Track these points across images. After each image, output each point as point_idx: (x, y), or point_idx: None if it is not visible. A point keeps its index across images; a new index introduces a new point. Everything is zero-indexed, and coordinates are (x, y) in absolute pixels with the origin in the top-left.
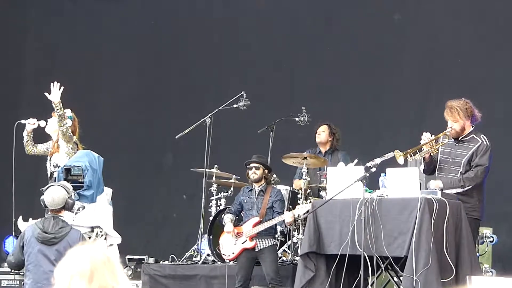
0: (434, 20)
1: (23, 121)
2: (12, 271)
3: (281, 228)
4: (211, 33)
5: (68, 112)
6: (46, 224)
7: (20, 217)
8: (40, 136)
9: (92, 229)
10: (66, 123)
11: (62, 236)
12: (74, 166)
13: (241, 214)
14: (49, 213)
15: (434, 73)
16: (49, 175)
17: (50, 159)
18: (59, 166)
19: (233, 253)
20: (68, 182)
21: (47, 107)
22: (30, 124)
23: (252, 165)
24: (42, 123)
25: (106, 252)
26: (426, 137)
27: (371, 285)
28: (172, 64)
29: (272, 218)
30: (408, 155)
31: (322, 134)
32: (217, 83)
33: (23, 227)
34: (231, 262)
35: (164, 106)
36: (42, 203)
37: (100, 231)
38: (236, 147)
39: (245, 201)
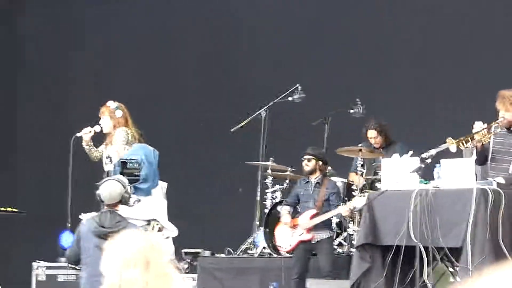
0: None
1: (78, 134)
2: (69, 265)
3: (337, 220)
4: (265, 26)
5: (112, 104)
6: (102, 218)
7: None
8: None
9: (148, 222)
10: (116, 114)
11: (119, 230)
12: (130, 159)
13: (298, 206)
14: (105, 207)
15: (486, 62)
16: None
17: (105, 153)
18: (111, 158)
19: (290, 245)
20: (124, 175)
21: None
22: (87, 133)
23: (304, 156)
24: (97, 128)
25: (160, 241)
26: (478, 125)
27: (427, 276)
28: (226, 57)
29: (329, 210)
30: (461, 143)
31: (375, 139)
32: (272, 76)
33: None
34: (288, 255)
35: (220, 100)
36: (98, 197)
37: (157, 224)
38: (292, 140)
39: (302, 193)
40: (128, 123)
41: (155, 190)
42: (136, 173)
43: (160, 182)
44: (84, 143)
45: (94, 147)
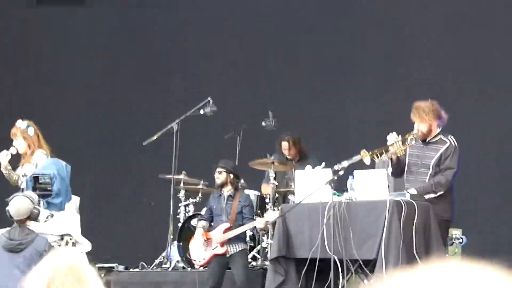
0: (404, 17)
1: None
2: None
3: (251, 233)
4: (178, 36)
5: (21, 124)
6: (12, 232)
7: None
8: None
9: (62, 237)
10: (29, 133)
11: (28, 242)
12: (42, 174)
13: (211, 219)
14: (15, 223)
15: (400, 74)
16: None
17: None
18: (26, 175)
19: (204, 259)
20: (36, 190)
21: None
22: (3, 157)
23: (216, 169)
24: (13, 150)
25: (72, 260)
26: (392, 137)
27: None
28: (136, 68)
29: (242, 223)
30: (375, 155)
31: (289, 151)
32: (184, 89)
33: None
34: (202, 268)
35: (129, 112)
36: (7, 213)
37: (70, 239)
38: (204, 153)
39: (214, 206)
40: (40, 139)
41: (68, 205)
42: (48, 188)
43: (72, 196)
44: (2, 168)
45: (13, 171)
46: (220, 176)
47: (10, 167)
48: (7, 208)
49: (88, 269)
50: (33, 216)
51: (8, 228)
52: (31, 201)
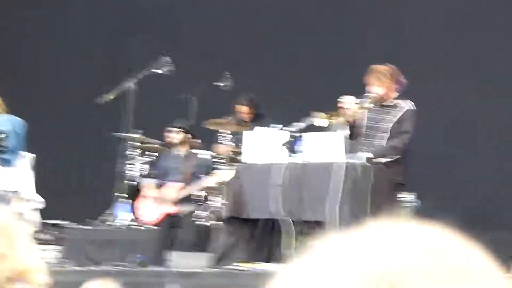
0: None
1: None
2: None
3: (203, 193)
4: None
5: None
6: None
7: None
8: None
9: (15, 193)
10: None
11: None
12: None
13: (164, 179)
14: None
15: (358, 34)
16: None
17: None
18: None
19: (156, 217)
20: None
21: None
22: None
23: (172, 129)
24: None
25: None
26: (350, 100)
27: (293, 250)
28: (94, 25)
29: (196, 183)
30: (331, 118)
31: (246, 115)
32: (142, 48)
33: None
34: (152, 227)
35: (86, 70)
36: None
37: (23, 196)
38: (160, 113)
39: (169, 165)
40: None
41: (22, 162)
42: (2, 144)
43: (27, 153)
44: None
45: None
46: (176, 136)
47: None
48: None
49: (19, 228)
50: None
51: None
52: None
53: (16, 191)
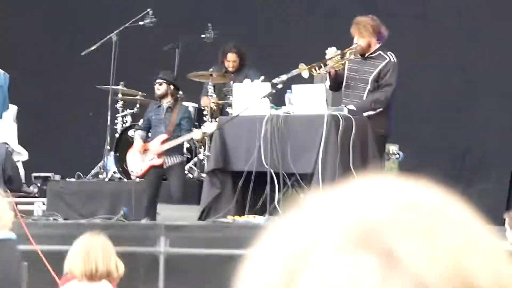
0: None
1: None
2: None
3: (188, 145)
4: None
5: None
6: None
7: None
8: None
9: (3, 144)
10: None
11: None
12: None
13: (150, 131)
14: None
15: None
16: None
17: None
18: None
19: (141, 170)
20: None
21: None
22: None
23: (156, 80)
24: None
25: None
26: (331, 51)
27: (277, 202)
28: None
29: (180, 135)
30: (313, 69)
31: (234, 63)
32: (123, 1)
33: None
34: (138, 179)
35: (68, 22)
36: None
37: (7, 148)
38: (143, 65)
39: (153, 117)
40: None
41: (5, 114)
42: None
43: (10, 105)
44: None
45: None
46: (160, 88)
47: None
48: None
49: None
50: None
51: None
52: None
53: (5, 143)
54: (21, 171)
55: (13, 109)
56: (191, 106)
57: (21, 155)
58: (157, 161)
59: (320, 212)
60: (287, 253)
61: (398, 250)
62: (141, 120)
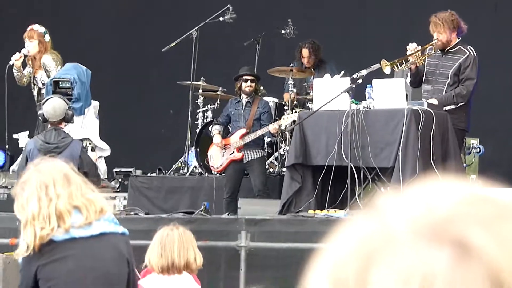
0: None
1: (11, 62)
2: (0, 184)
3: (269, 140)
4: None
5: (39, 27)
6: (48, 135)
7: (24, 132)
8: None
9: (82, 141)
10: (45, 39)
11: (64, 145)
12: (62, 78)
13: (229, 126)
14: (49, 126)
15: None
16: (35, 93)
17: (34, 77)
18: (40, 82)
19: (221, 164)
20: (56, 94)
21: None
22: (17, 60)
23: (246, 77)
24: (25, 51)
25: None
26: (412, 47)
27: (358, 196)
28: None
29: (259, 129)
30: (394, 65)
31: (308, 59)
32: None
33: (25, 142)
34: (219, 174)
35: (149, 19)
36: (40, 117)
37: (89, 143)
38: (223, 60)
39: (233, 112)
40: (49, 47)
41: (87, 110)
42: (68, 92)
43: (92, 101)
44: (15, 70)
45: (23, 73)
46: (252, 84)
47: (22, 69)
48: (39, 112)
49: (75, 175)
50: (67, 117)
51: (42, 132)
52: (65, 102)
53: (88, 139)
54: (103, 167)
55: (95, 105)
56: (271, 101)
57: (103, 150)
58: (237, 155)
59: (391, 208)
60: (360, 248)
61: (471, 242)
62: (223, 115)
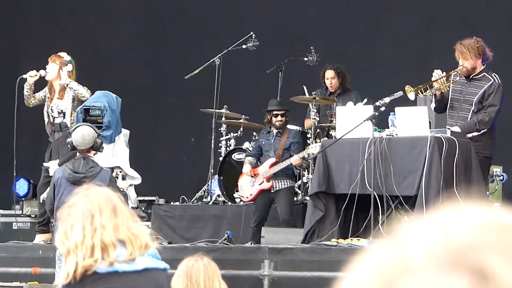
0: None
1: (24, 76)
2: (23, 213)
3: (296, 169)
4: None
5: (66, 56)
6: (76, 164)
7: (55, 161)
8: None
9: (112, 169)
10: (67, 68)
11: (93, 175)
12: (93, 106)
13: (259, 155)
14: (78, 154)
15: (437, 9)
16: (46, 122)
17: (49, 105)
18: (64, 113)
19: (251, 194)
20: (86, 122)
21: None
22: (32, 76)
23: (277, 112)
24: (42, 72)
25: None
26: (437, 74)
27: (381, 225)
28: (175, 3)
29: (288, 159)
30: (419, 91)
31: (332, 81)
32: (225, 24)
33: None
34: (243, 203)
35: (175, 47)
36: (69, 145)
37: (120, 171)
38: (246, 88)
39: (263, 142)
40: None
41: (117, 138)
42: (99, 120)
43: (122, 129)
44: (26, 86)
45: (33, 94)
46: (282, 119)
47: (33, 88)
48: (68, 140)
49: (122, 203)
50: (96, 145)
51: (71, 160)
52: (95, 130)
53: (119, 167)
54: (133, 195)
55: (125, 133)
56: (294, 129)
57: (134, 178)
58: (266, 185)
59: (410, 235)
60: (380, 275)
61: (490, 269)
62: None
